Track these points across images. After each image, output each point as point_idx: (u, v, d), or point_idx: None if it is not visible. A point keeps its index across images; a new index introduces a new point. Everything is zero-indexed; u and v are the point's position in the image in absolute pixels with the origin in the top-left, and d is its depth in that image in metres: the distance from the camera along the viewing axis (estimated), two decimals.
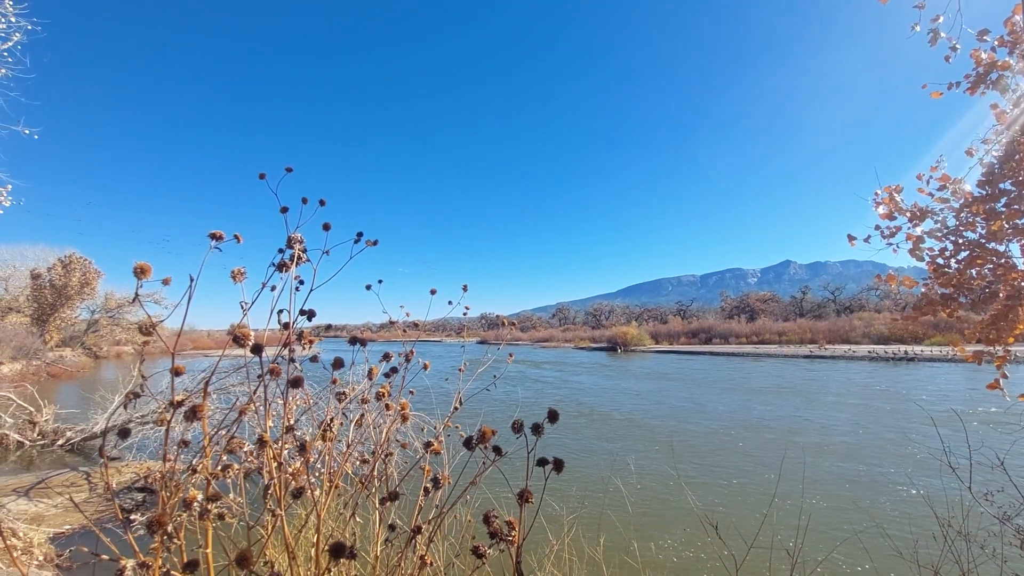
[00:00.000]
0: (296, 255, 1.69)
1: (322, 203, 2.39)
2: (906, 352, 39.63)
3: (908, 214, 4.26)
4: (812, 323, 61.97)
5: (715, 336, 64.61)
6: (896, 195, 4.34)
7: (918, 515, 6.45)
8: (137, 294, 1.27)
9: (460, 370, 3.14)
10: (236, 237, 1.47)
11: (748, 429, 13.29)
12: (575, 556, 2.59)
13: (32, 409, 12.87)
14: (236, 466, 1.41)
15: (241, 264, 1.78)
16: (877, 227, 4.39)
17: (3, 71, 9.90)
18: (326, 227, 2.02)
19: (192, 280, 1.37)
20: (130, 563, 1.23)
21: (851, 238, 4.57)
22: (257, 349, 1.49)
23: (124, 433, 1.30)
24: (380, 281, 2.98)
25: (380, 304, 2.84)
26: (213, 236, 1.41)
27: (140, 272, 1.19)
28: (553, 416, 1.20)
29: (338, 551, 1.25)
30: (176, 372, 1.40)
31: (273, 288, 1.95)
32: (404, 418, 1.78)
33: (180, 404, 1.37)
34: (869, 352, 41.93)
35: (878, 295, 68.88)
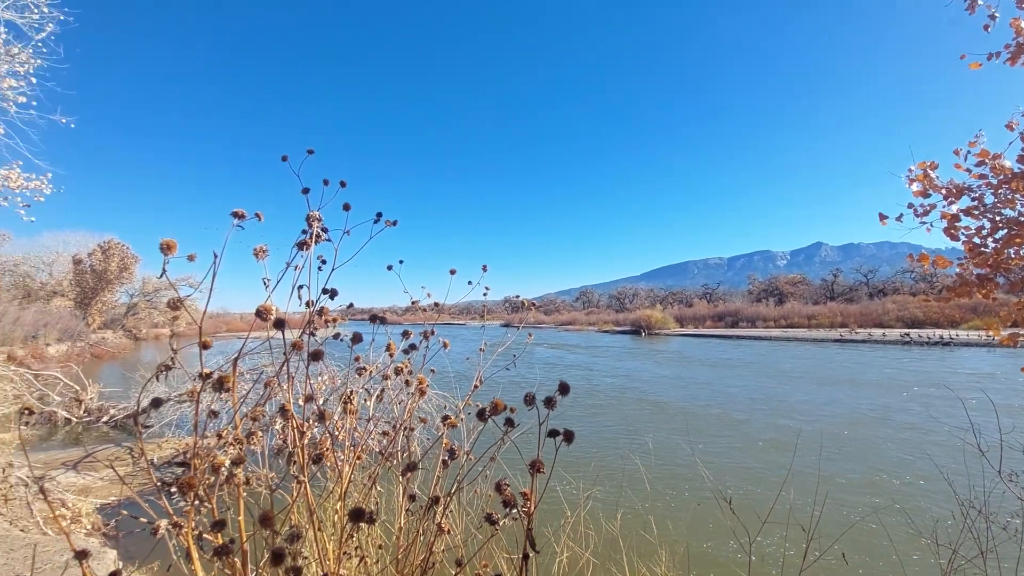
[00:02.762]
0: (315, 234, 1.74)
1: (343, 184, 2.44)
2: (941, 336, 38.27)
3: (943, 191, 4.09)
4: (843, 306, 60.17)
5: (742, 320, 63.50)
6: (931, 172, 4.16)
7: (939, 496, 6.33)
8: (164, 270, 1.33)
9: (480, 350, 3.19)
10: (257, 215, 1.52)
11: (769, 411, 13.13)
12: (592, 530, 2.64)
13: (78, 388, 13.52)
14: (260, 433, 1.49)
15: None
16: (910, 205, 4.22)
17: (39, 62, 10.23)
18: (346, 207, 2.08)
19: (216, 257, 1.43)
20: (164, 523, 1.32)
21: (882, 217, 4.42)
22: (279, 324, 1.55)
23: (156, 403, 1.38)
24: (401, 262, 3.04)
25: (402, 286, 2.90)
26: (235, 215, 1.47)
27: (166, 248, 1.25)
28: (564, 389, 1.22)
29: (358, 515, 1.31)
30: (204, 346, 1.47)
31: (297, 268, 2.02)
32: (422, 393, 1.83)
33: (209, 376, 1.44)
34: (902, 336, 40.63)
35: (913, 277, 66.34)
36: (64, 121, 10.21)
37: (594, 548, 2.46)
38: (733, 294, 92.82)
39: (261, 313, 1.67)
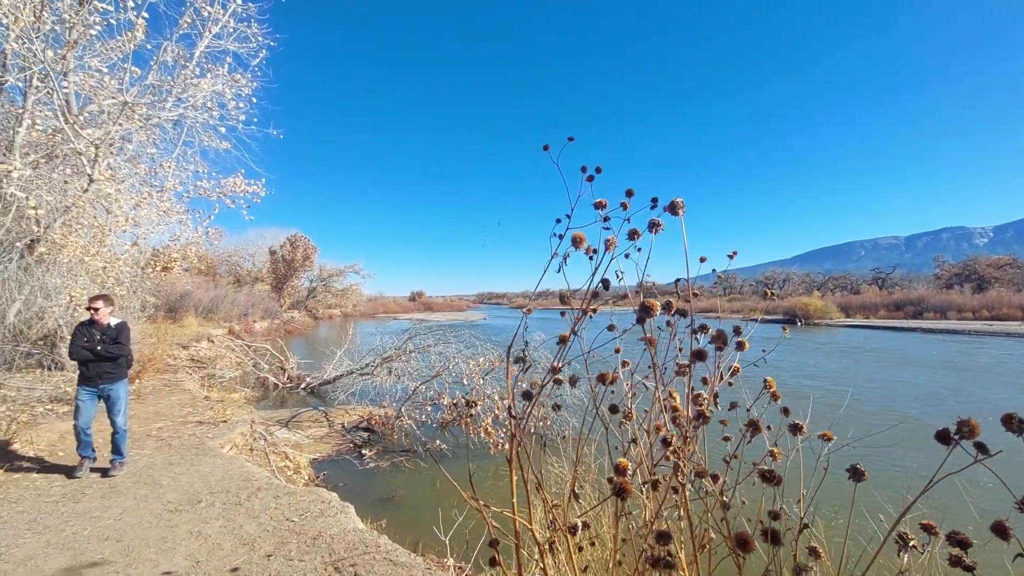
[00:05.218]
0: (656, 223, 1.66)
1: (598, 171, 2.38)
2: None
3: None
4: None
5: (927, 309, 53.46)
6: None
7: None
8: (564, 260, 1.34)
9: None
10: (600, 204, 1.50)
11: None
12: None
13: (282, 358, 15.97)
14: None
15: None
16: None
17: (256, 84, 12.07)
18: (629, 193, 1.99)
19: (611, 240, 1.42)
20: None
21: None
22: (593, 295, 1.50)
23: (527, 395, 1.40)
24: (639, 249, 2.93)
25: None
26: (598, 205, 1.45)
27: (578, 242, 1.26)
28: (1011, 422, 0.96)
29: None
30: (571, 331, 1.47)
31: (566, 257, 1.99)
32: (775, 396, 1.68)
33: (558, 371, 1.44)
34: None
35: None
36: (276, 133, 11.97)
37: None
38: (913, 279, 78.72)
39: (563, 297, 1.70)
